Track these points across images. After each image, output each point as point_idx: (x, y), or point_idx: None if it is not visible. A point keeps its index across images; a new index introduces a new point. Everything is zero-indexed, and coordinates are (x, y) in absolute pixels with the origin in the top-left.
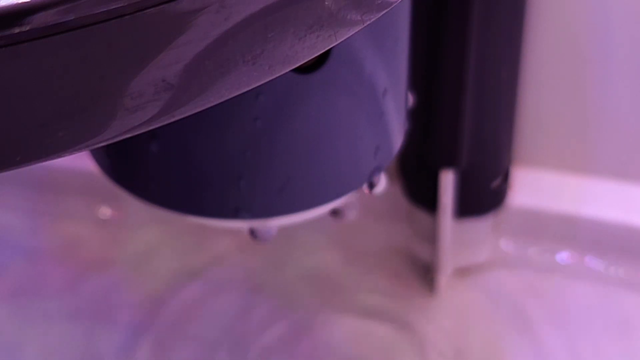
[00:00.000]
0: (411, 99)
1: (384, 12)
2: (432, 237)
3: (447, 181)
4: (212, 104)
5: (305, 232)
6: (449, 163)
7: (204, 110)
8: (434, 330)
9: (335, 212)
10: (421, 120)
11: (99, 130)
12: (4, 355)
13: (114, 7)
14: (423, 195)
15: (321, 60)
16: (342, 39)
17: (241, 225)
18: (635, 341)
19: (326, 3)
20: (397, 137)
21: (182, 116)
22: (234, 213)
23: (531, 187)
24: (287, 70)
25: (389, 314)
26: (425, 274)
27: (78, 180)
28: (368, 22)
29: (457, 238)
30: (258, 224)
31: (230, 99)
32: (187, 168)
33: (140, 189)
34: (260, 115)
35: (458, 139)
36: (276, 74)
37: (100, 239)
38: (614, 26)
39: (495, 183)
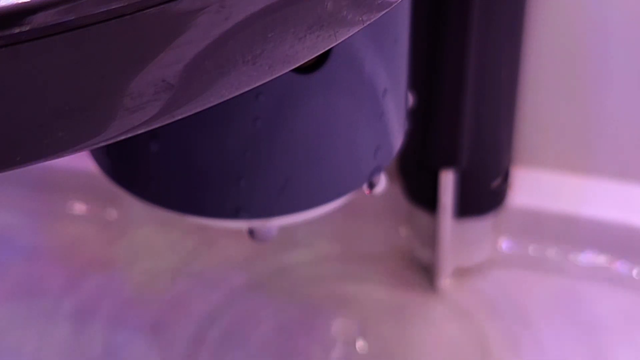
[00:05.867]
0: (411, 99)
1: (384, 12)
2: (432, 237)
3: (447, 181)
4: (212, 104)
5: (305, 232)
6: (449, 163)
7: (204, 110)
8: (433, 330)
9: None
10: (421, 120)
11: (99, 130)
12: (4, 355)
13: (114, 7)
14: (423, 195)
15: (321, 60)
16: (342, 39)
17: (241, 225)
18: (632, 340)
19: (326, 3)
20: (397, 137)
21: (182, 116)
22: (234, 213)
23: (531, 187)
24: (287, 70)
25: (389, 313)
26: (425, 274)
27: (78, 180)
28: (368, 22)
29: (457, 238)
30: (258, 224)
31: (230, 99)
32: (187, 168)
33: (140, 189)
34: (260, 115)
35: (458, 139)
36: (276, 74)
37: (100, 238)
38: (614, 26)
39: (495, 183)
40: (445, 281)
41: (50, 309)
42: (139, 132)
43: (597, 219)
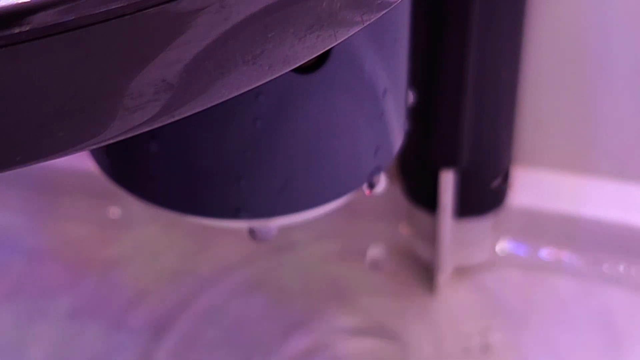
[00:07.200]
0: (411, 99)
1: (384, 12)
2: (432, 237)
3: (447, 181)
4: (212, 104)
5: (305, 231)
6: (449, 163)
7: (204, 110)
8: (433, 330)
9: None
10: (421, 120)
11: (99, 130)
12: (4, 355)
13: (114, 7)
14: (423, 195)
15: (321, 60)
16: (342, 39)
17: (241, 225)
18: (633, 341)
19: (326, 3)
20: (397, 137)
21: (182, 116)
22: (234, 213)
23: (531, 187)
24: (287, 70)
25: (389, 313)
26: (425, 273)
27: (78, 180)
28: (368, 22)
29: (457, 238)
30: (258, 224)
31: (230, 99)
32: (187, 168)
33: (141, 189)
34: (260, 116)
35: (458, 139)
36: (276, 74)
37: (100, 238)
38: (614, 26)
39: (495, 183)
40: (445, 281)
41: (50, 309)
42: (139, 132)
43: (597, 219)
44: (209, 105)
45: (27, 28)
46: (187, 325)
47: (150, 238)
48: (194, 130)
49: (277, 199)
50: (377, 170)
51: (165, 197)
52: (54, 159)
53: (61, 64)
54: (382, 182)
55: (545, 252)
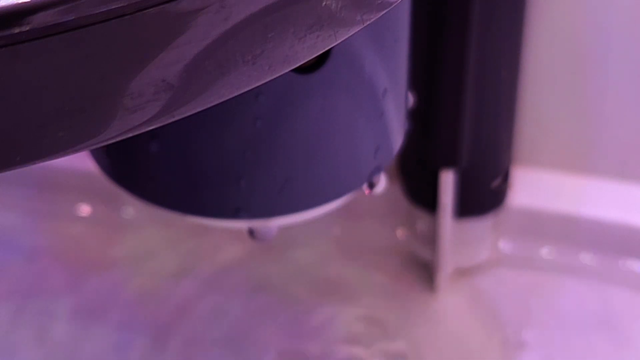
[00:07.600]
0: (411, 99)
1: (384, 12)
2: (432, 237)
3: (447, 181)
4: (212, 104)
5: (305, 231)
6: (449, 163)
7: (204, 110)
8: (433, 330)
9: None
10: (421, 120)
11: (99, 130)
12: (4, 355)
13: (114, 7)
14: (423, 195)
15: (321, 60)
16: (342, 39)
17: (241, 225)
18: (634, 340)
19: (326, 3)
20: (397, 137)
21: (182, 116)
22: (234, 213)
23: (531, 187)
24: (287, 70)
25: (389, 313)
26: (425, 273)
27: (79, 181)
28: (368, 22)
29: (457, 238)
30: (258, 224)
31: (230, 99)
32: (187, 168)
33: (140, 189)
34: (260, 116)
35: (458, 139)
36: (276, 74)
37: (100, 238)
38: (614, 26)
39: (495, 183)
40: (445, 281)
41: (50, 309)
42: (139, 132)
43: (597, 219)
44: (209, 105)
45: (27, 28)
46: (187, 325)
47: (150, 238)
48: (194, 130)
49: (277, 199)
50: (377, 170)
51: (165, 197)
52: (54, 159)
53: (61, 64)
54: (382, 182)
55: (545, 252)
